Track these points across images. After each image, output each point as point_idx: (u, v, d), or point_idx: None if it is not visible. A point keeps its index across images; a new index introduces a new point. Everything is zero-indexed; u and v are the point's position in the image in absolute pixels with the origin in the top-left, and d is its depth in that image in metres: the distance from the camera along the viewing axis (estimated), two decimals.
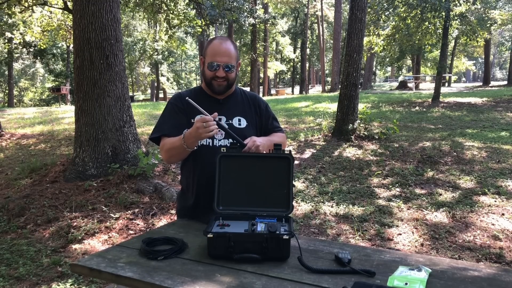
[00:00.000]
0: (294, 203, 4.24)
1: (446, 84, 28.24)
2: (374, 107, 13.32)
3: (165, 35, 12.42)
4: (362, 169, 5.82)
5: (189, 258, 1.45)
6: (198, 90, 1.96)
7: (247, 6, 19.78)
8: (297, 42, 41.23)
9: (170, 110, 1.91)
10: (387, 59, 26.72)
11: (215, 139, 1.84)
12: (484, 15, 15.05)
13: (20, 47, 21.73)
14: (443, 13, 12.89)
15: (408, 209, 4.35)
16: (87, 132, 5.31)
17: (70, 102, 23.13)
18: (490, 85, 25.30)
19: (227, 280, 1.28)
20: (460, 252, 3.37)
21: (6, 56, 23.85)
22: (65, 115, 13.55)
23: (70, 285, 2.93)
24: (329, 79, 35.39)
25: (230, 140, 1.84)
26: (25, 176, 5.80)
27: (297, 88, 41.03)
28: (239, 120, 1.89)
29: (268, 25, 28.10)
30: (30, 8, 11.05)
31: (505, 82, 25.27)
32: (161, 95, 35.72)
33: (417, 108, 12.80)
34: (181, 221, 1.92)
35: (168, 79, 37.32)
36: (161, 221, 4.12)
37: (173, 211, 4.31)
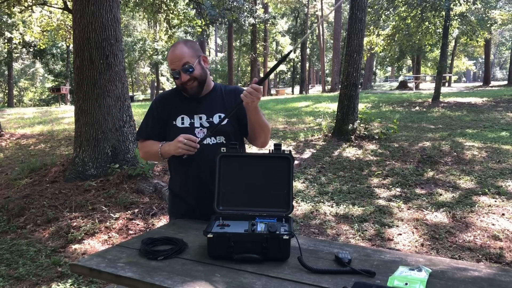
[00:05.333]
0: (294, 203, 4.24)
1: (446, 84, 28.22)
2: (374, 107, 13.31)
3: (165, 35, 12.42)
4: (362, 169, 5.82)
5: (189, 258, 1.45)
6: (179, 90, 1.96)
7: (247, 6, 19.79)
8: (297, 42, 41.17)
9: (151, 112, 1.96)
10: (387, 59, 26.71)
11: (197, 139, 1.82)
12: (484, 15, 15.02)
13: (20, 47, 21.74)
14: (443, 13, 12.89)
15: (408, 209, 4.35)
16: (87, 132, 5.31)
17: (70, 102, 23.13)
18: (490, 85, 25.28)
19: (227, 280, 1.28)
20: (460, 252, 3.37)
21: (6, 56, 23.86)
22: (65, 115, 13.56)
23: (70, 285, 2.93)
24: (329, 79, 35.39)
25: (213, 140, 1.84)
26: (25, 176, 5.80)
27: (297, 88, 41.02)
28: (220, 117, 1.86)
29: (268, 25, 28.13)
30: (30, 8, 11.04)
31: (505, 82, 25.26)
32: None
33: (417, 108, 12.80)
34: (181, 221, 1.92)
35: (168, 79, 37.32)
36: (161, 221, 4.12)
37: None
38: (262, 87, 1.68)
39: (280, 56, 38.62)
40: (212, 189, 1.64)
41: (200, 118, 1.87)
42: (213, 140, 1.85)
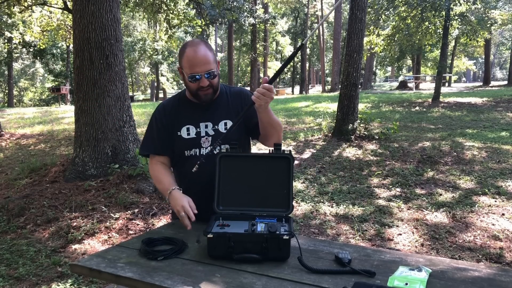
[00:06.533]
0: (294, 203, 4.24)
1: (446, 84, 28.22)
2: (374, 107, 13.32)
3: (165, 35, 12.42)
4: (362, 169, 5.82)
5: (189, 258, 1.45)
6: (183, 96, 1.89)
7: (247, 6, 19.80)
8: (297, 42, 41.20)
9: (154, 125, 1.88)
10: (387, 59, 26.71)
11: (202, 148, 1.79)
12: (484, 15, 15.02)
13: (20, 47, 21.75)
14: (443, 13, 12.89)
15: (408, 209, 4.35)
16: (87, 132, 5.30)
17: (70, 102, 23.13)
18: (490, 85, 25.28)
19: (227, 280, 1.28)
20: (460, 252, 3.37)
21: (6, 56, 23.86)
22: (65, 115, 13.56)
23: (70, 285, 2.93)
24: (329, 79, 35.40)
25: (217, 150, 1.77)
26: (25, 176, 5.80)
27: (297, 88, 41.01)
28: (225, 124, 1.81)
29: (268, 25, 28.13)
30: (30, 8, 11.05)
31: (505, 82, 25.26)
32: (161, 95, 35.74)
33: (417, 108, 12.80)
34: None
35: (168, 79, 37.33)
36: (161, 221, 4.12)
37: None
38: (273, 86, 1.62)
39: (280, 56, 38.72)
40: (212, 202, 1.62)
41: (206, 126, 1.80)
42: (217, 150, 1.77)
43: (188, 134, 1.81)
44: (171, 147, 1.84)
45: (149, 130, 1.90)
